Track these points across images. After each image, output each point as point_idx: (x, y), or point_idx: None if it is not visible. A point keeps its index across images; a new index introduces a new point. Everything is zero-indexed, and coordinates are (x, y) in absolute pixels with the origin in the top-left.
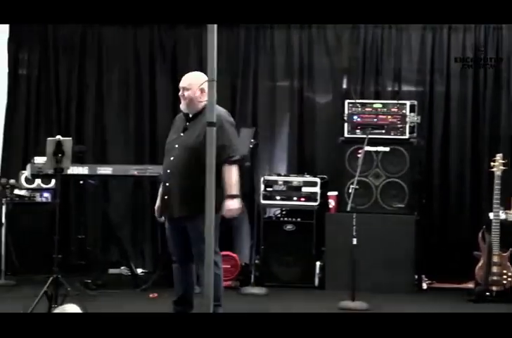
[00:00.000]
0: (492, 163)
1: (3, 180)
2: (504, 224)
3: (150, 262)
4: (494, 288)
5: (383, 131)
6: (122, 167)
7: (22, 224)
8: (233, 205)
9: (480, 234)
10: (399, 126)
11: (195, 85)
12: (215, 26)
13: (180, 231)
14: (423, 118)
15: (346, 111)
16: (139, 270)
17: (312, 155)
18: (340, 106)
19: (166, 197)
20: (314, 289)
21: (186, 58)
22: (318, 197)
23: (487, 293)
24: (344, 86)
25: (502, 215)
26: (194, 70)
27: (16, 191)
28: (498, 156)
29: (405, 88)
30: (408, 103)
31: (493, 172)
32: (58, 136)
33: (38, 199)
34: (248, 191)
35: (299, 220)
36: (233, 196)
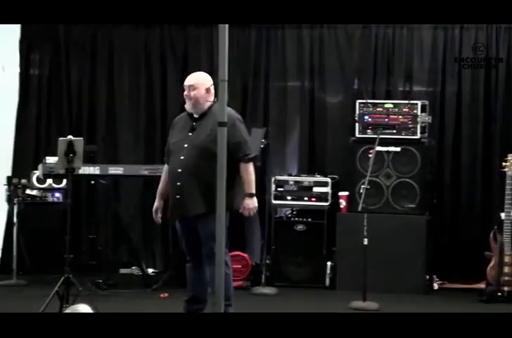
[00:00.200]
0: (504, 163)
1: (15, 180)
2: None
3: (161, 262)
4: (506, 288)
5: (394, 131)
6: (132, 167)
7: (33, 224)
8: (252, 203)
9: (492, 234)
10: (411, 126)
11: (202, 85)
12: (226, 26)
13: (191, 230)
14: (435, 118)
15: (357, 111)
16: (150, 270)
17: (323, 156)
18: (351, 106)
19: (178, 197)
20: (324, 289)
21: (197, 58)
22: (329, 197)
23: (499, 294)
24: (356, 86)
25: None
26: (205, 70)
27: (28, 191)
28: (510, 156)
29: (416, 88)
30: (419, 103)
31: (504, 172)
32: (70, 136)
33: (49, 199)
34: (259, 191)
35: (310, 220)
36: (251, 195)
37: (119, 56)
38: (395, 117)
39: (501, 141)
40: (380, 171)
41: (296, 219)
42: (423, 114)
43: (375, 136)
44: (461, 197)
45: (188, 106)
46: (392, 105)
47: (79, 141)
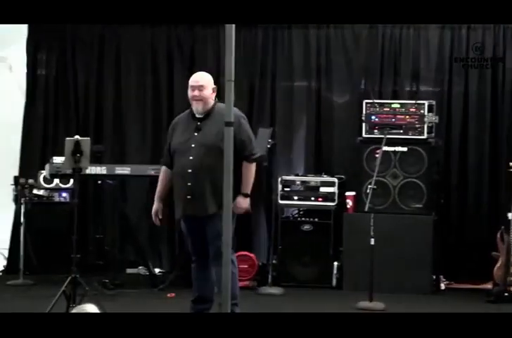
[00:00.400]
0: (511, 163)
1: (22, 180)
2: None
3: (168, 262)
4: None
5: (401, 131)
6: (139, 167)
7: (40, 224)
8: (244, 203)
9: (499, 235)
10: (417, 126)
11: (210, 85)
12: (233, 26)
13: (199, 230)
14: (441, 118)
15: (364, 111)
16: (157, 270)
17: (330, 156)
18: (357, 106)
19: (189, 197)
20: (331, 289)
21: (203, 58)
22: (336, 197)
23: (506, 294)
24: (362, 86)
25: None
26: (213, 70)
27: (35, 191)
28: None
29: (423, 88)
30: (426, 103)
31: (511, 172)
32: (77, 136)
33: (56, 199)
34: (266, 191)
35: (316, 220)
36: (246, 195)
37: (126, 56)
38: (402, 117)
39: (508, 141)
40: (386, 171)
41: (303, 219)
42: (430, 114)
43: (382, 136)
44: (468, 197)
45: (198, 106)
46: (398, 105)
47: (85, 141)
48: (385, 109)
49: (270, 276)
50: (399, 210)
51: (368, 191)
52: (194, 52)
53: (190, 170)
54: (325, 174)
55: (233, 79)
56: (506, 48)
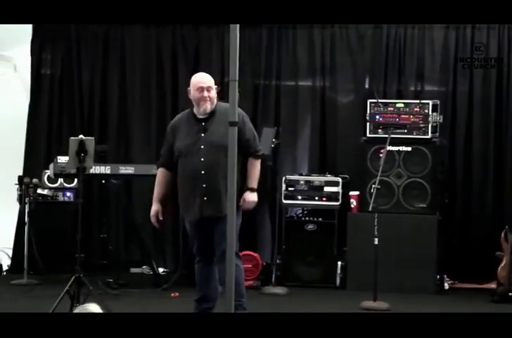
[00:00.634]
0: None
1: (26, 179)
2: None
3: (172, 261)
4: None
5: (405, 130)
6: (143, 166)
7: (44, 223)
8: (252, 197)
9: (503, 234)
10: (422, 126)
11: (214, 86)
12: (237, 26)
13: (208, 231)
14: (446, 118)
15: (368, 111)
16: (161, 270)
17: (334, 155)
18: (362, 106)
19: (205, 198)
20: (335, 289)
21: (208, 58)
22: (340, 197)
23: (510, 294)
24: (367, 85)
25: None
26: (217, 70)
27: (39, 191)
28: None
29: (428, 87)
30: (430, 102)
31: None
32: (81, 136)
33: (60, 199)
34: (270, 191)
35: (320, 219)
36: (253, 190)
37: (131, 56)
38: (406, 116)
39: None
40: (391, 171)
41: (307, 219)
42: (434, 114)
43: (386, 135)
44: (473, 197)
45: (206, 107)
46: (403, 105)
47: (90, 141)
48: (389, 109)
49: (274, 276)
50: (403, 209)
51: (372, 190)
52: (199, 52)
53: (203, 172)
54: (329, 173)
55: (237, 79)
56: (511, 48)
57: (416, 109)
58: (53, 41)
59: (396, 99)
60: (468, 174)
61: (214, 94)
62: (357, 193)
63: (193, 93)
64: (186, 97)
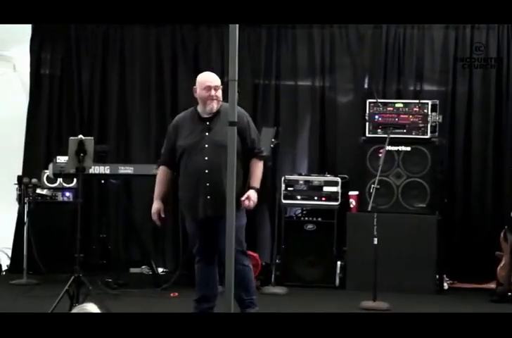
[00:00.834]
0: None
1: (26, 179)
2: None
3: (171, 261)
4: None
5: (405, 130)
6: (143, 166)
7: (44, 223)
8: (254, 196)
9: (502, 234)
10: (421, 125)
11: (220, 85)
12: (237, 26)
13: (212, 230)
14: (445, 118)
15: (367, 111)
16: (160, 269)
17: (333, 155)
18: (361, 106)
19: (209, 197)
20: (334, 289)
21: (208, 58)
22: (339, 197)
23: (509, 294)
24: (366, 85)
25: None
26: (217, 70)
27: (38, 191)
28: None
29: (427, 87)
30: (429, 102)
31: None
32: (80, 136)
33: (60, 198)
34: (269, 191)
35: (320, 219)
36: (256, 189)
37: (131, 56)
38: (405, 116)
39: None
40: (390, 170)
41: (306, 218)
42: (434, 113)
43: (386, 135)
44: (472, 197)
45: (213, 106)
46: (402, 105)
47: (89, 141)
48: (388, 109)
49: (273, 275)
50: (402, 209)
51: (371, 190)
52: (198, 52)
53: (207, 171)
54: (328, 173)
55: (236, 78)
56: (510, 47)
57: (415, 109)
58: (52, 41)
59: (395, 99)
60: (468, 174)
61: (220, 93)
62: (356, 193)
63: (199, 92)
64: (185, 97)
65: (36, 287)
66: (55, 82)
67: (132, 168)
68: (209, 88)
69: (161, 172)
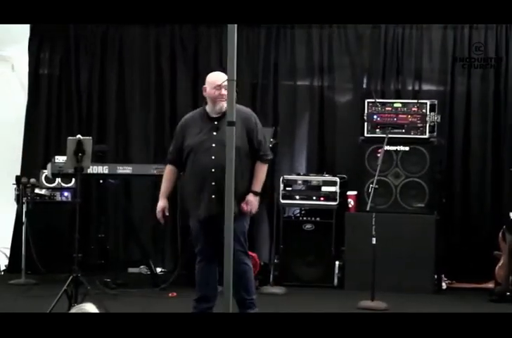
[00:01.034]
0: None
1: (24, 179)
2: None
3: (170, 261)
4: None
5: (403, 130)
6: (141, 166)
7: (42, 223)
8: (255, 201)
9: (501, 234)
10: (419, 125)
11: None
12: (235, 26)
13: (216, 231)
14: (444, 118)
15: (366, 110)
16: (158, 269)
17: (332, 155)
18: (360, 106)
19: (214, 197)
20: (333, 289)
21: (207, 58)
22: (338, 197)
23: (508, 293)
24: (365, 85)
25: None
26: (216, 69)
27: (37, 191)
28: None
29: (426, 87)
30: (428, 102)
31: None
32: (79, 136)
33: (58, 198)
34: (268, 191)
35: (318, 219)
36: (257, 193)
37: (130, 56)
38: (404, 116)
39: (511, 140)
40: (388, 170)
41: (304, 218)
42: (432, 113)
43: (384, 135)
44: (470, 197)
45: (223, 105)
46: (400, 105)
47: (88, 141)
48: (387, 108)
49: (272, 275)
50: (401, 209)
51: (370, 190)
52: (197, 52)
53: (213, 170)
54: (327, 173)
55: (235, 78)
56: (509, 47)
57: (413, 109)
58: (51, 41)
59: (394, 99)
60: (466, 174)
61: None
62: (355, 193)
63: (209, 91)
64: (184, 97)
65: (35, 287)
66: (54, 82)
67: (131, 168)
68: (219, 87)
69: (168, 171)
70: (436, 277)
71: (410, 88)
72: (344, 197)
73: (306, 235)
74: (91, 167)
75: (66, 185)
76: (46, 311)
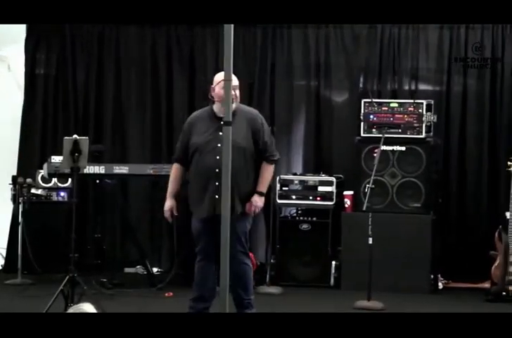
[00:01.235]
0: (509, 163)
1: (20, 179)
2: None
3: (167, 261)
4: (511, 288)
5: (399, 130)
6: (138, 166)
7: (38, 223)
8: (260, 201)
9: (497, 234)
10: (416, 125)
11: (238, 85)
12: (231, 26)
13: (218, 230)
14: (440, 118)
15: (362, 110)
16: (155, 269)
17: (328, 155)
18: (356, 105)
19: (217, 197)
20: (329, 289)
21: (203, 58)
22: (334, 196)
23: (504, 293)
24: (361, 85)
25: None
26: (212, 70)
27: (33, 191)
28: None
29: (422, 87)
30: (424, 102)
31: (510, 171)
32: (75, 136)
33: (54, 198)
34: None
35: (315, 219)
36: (262, 194)
37: (126, 56)
38: (400, 116)
39: (507, 140)
40: (385, 170)
41: (301, 218)
42: (429, 113)
43: (381, 135)
44: (467, 196)
45: (234, 105)
46: (397, 105)
47: (84, 141)
48: (383, 108)
49: (268, 275)
50: (397, 209)
51: (366, 190)
52: (193, 52)
53: (218, 170)
54: (323, 173)
55: (231, 78)
56: (505, 48)
57: (410, 109)
58: (47, 41)
59: (390, 99)
60: (462, 174)
61: (238, 93)
62: (351, 192)
63: (217, 91)
64: (180, 96)
65: (31, 287)
66: (50, 82)
67: (127, 168)
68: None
69: (174, 170)
70: (432, 276)
71: (406, 88)
72: (340, 197)
73: (303, 235)
74: (87, 167)
75: (62, 185)
76: (42, 311)
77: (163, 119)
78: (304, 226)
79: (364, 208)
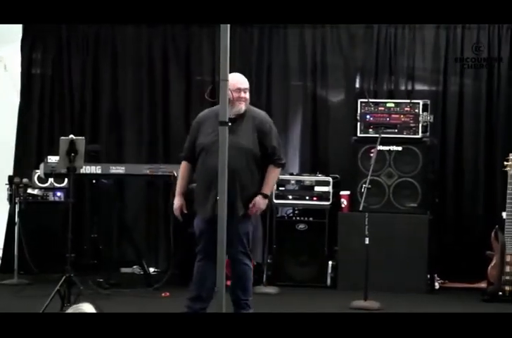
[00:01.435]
0: (505, 163)
1: (17, 179)
2: None
3: (164, 261)
4: (507, 288)
5: (396, 130)
6: (134, 166)
7: (35, 223)
8: (263, 203)
9: (493, 234)
10: (412, 125)
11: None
12: (228, 26)
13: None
14: (437, 118)
15: (359, 110)
16: (152, 269)
17: (325, 155)
18: (353, 105)
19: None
20: (326, 289)
21: (199, 58)
22: (331, 196)
23: (500, 293)
24: (358, 85)
25: None
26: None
27: (29, 191)
28: (511, 156)
29: (418, 87)
30: (421, 102)
31: (506, 171)
32: (71, 136)
33: (51, 198)
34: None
35: (311, 219)
36: (266, 196)
37: (122, 56)
38: (397, 116)
39: (503, 140)
40: (381, 170)
41: (297, 218)
42: (425, 113)
43: (377, 135)
44: (463, 196)
45: (241, 108)
46: (393, 105)
47: (80, 141)
48: (379, 108)
49: (265, 275)
50: (393, 209)
51: (362, 190)
52: (190, 52)
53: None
54: (320, 173)
55: (227, 78)
56: (501, 47)
57: (406, 109)
58: (43, 41)
59: (387, 99)
60: (459, 174)
61: (248, 95)
62: (348, 192)
63: (229, 93)
64: (177, 96)
65: (28, 287)
66: (47, 82)
67: (124, 168)
68: (239, 90)
69: (183, 168)
70: (429, 276)
71: (403, 88)
72: (337, 197)
73: (300, 235)
74: (83, 167)
75: (59, 185)
76: (38, 311)
77: (159, 119)
78: (301, 226)
79: (361, 208)
